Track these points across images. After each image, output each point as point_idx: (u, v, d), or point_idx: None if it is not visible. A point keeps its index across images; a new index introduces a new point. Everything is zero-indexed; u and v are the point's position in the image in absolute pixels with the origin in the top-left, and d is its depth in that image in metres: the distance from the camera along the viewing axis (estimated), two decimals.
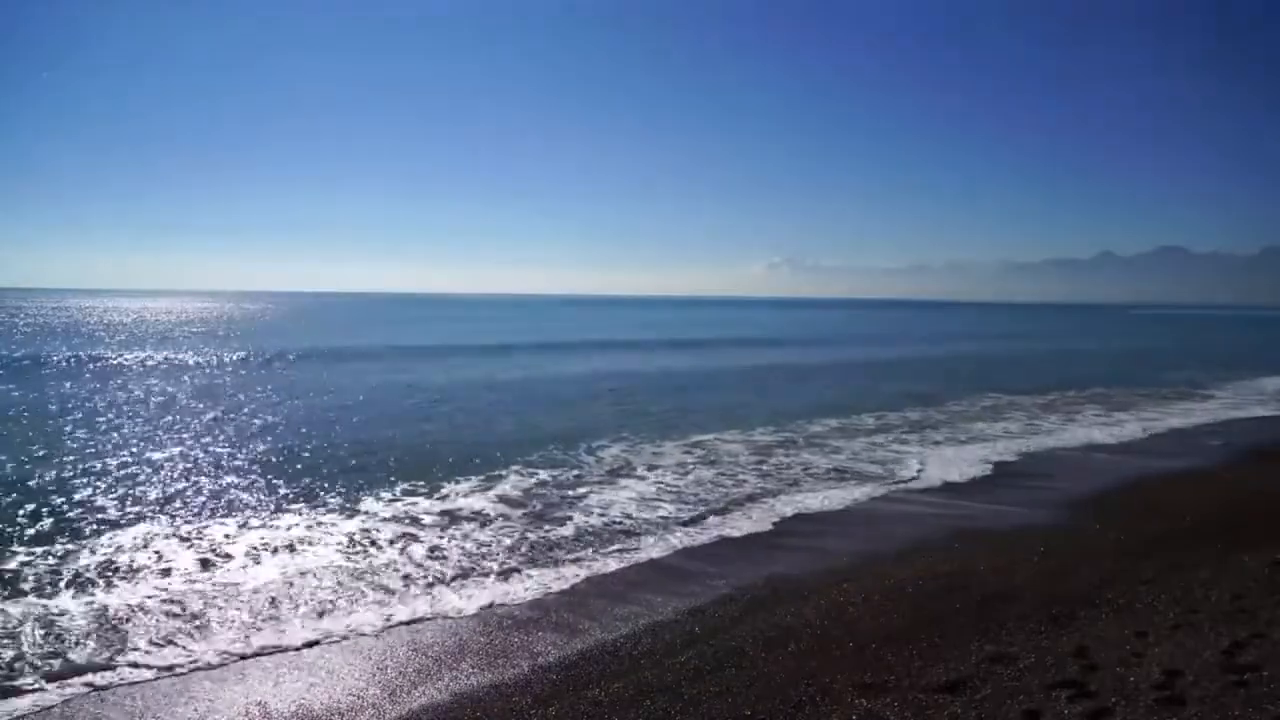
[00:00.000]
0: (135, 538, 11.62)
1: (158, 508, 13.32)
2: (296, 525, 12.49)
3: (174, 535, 11.84)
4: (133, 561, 10.62)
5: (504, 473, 16.24)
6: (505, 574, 10.58)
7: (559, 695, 7.10)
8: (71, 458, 17.00)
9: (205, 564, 10.65)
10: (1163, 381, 35.99)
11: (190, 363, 41.78)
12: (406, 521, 12.78)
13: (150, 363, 41.30)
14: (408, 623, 8.98)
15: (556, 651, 8.12)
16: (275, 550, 11.27)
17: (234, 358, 44.62)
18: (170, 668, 7.77)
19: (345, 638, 8.56)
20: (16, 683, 7.40)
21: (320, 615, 9.13)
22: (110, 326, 79.78)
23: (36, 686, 7.35)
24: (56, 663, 7.78)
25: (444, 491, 14.68)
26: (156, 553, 11.01)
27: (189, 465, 16.72)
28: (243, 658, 8.03)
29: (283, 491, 14.60)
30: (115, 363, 40.81)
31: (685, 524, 12.96)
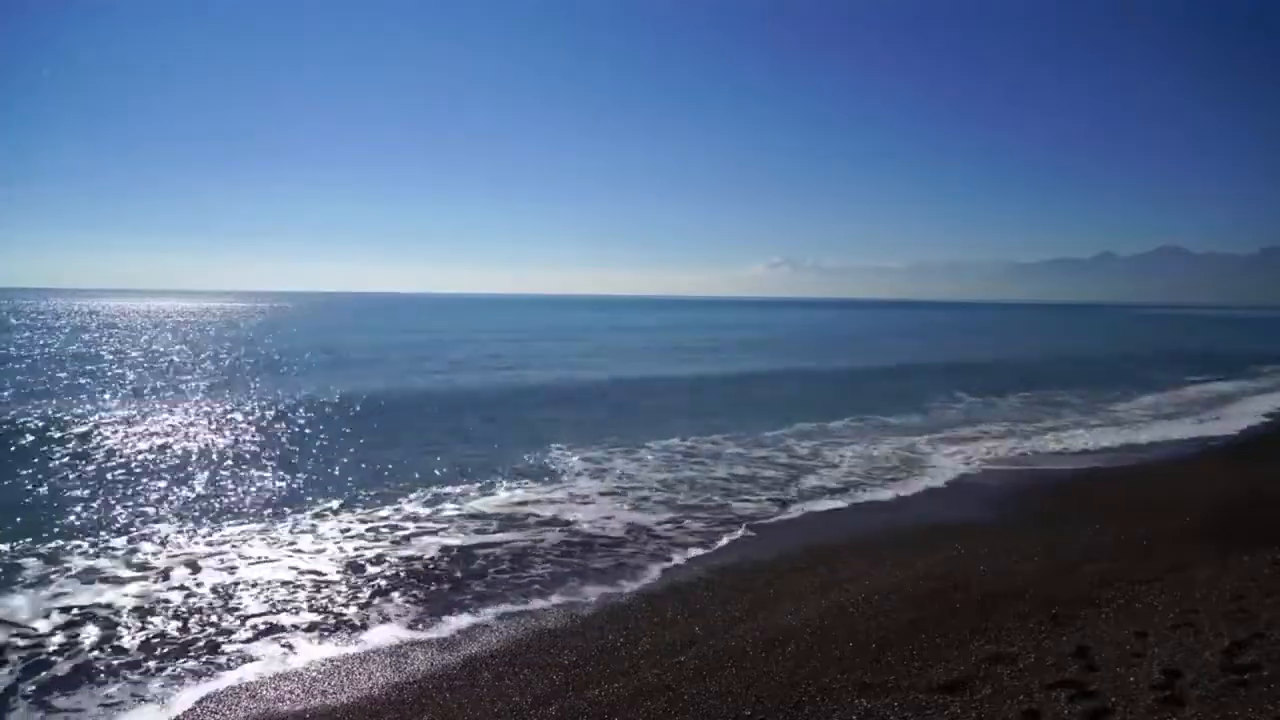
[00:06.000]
0: None
1: None
2: (295, 529, 12.50)
3: None
4: None
5: (506, 477, 16.25)
6: (503, 573, 10.59)
7: (559, 695, 7.09)
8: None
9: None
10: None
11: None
12: (404, 527, 12.83)
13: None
14: (405, 624, 8.99)
15: (556, 651, 8.12)
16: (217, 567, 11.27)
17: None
18: None
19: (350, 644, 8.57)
20: None
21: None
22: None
23: None
24: None
25: (443, 498, 14.71)
26: None
27: None
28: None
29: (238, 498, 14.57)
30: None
31: (684, 524, 12.97)
